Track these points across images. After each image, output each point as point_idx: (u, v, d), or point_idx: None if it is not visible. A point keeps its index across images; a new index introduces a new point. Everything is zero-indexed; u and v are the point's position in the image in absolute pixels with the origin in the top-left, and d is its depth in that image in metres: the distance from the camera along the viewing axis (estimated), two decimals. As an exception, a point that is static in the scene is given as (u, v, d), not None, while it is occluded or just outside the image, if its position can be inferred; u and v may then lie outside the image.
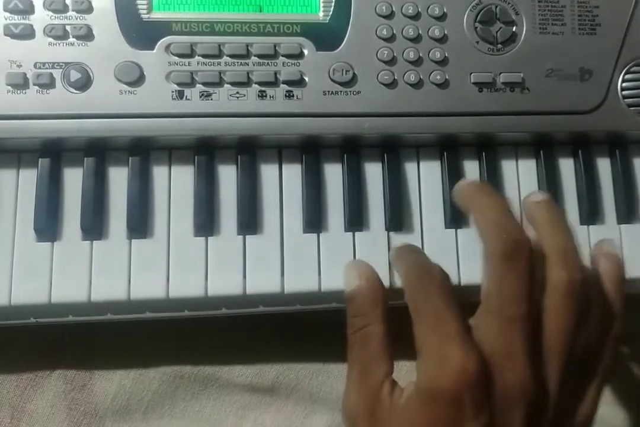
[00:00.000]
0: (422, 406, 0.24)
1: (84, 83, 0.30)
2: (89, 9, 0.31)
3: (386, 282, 0.31)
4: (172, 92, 0.31)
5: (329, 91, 0.32)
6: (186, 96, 0.31)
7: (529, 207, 0.30)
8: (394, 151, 0.33)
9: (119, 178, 0.32)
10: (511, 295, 0.25)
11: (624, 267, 0.31)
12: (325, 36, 0.32)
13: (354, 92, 0.32)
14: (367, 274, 0.29)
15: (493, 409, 0.24)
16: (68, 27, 0.30)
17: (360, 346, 0.27)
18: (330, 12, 0.32)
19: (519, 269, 0.25)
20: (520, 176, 0.34)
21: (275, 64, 0.32)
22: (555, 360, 0.25)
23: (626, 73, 0.34)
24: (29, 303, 0.29)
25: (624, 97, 0.34)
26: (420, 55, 0.32)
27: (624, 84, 0.34)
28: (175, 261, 0.31)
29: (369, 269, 0.29)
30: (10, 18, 0.30)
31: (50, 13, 0.30)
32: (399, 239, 0.32)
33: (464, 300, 0.31)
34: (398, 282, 0.31)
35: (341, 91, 0.32)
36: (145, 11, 0.31)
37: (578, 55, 0.33)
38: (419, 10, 0.33)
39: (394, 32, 0.32)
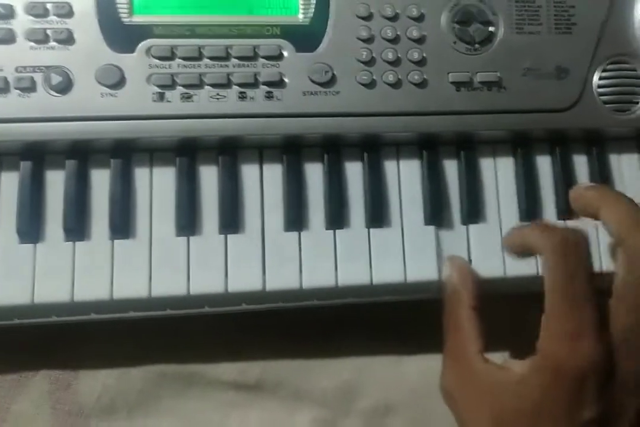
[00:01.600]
0: (544, 381, 0.25)
1: (65, 86, 0.31)
2: (70, 13, 0.31)
3: (366, 279, 0.32)
4: (153, 94, 0.31)
5: (308, 92, 0.32)
6: (167, 98, 0.31)
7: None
8: (374, 150, 0.34)
9: (101, 180, 0.32)
10: None
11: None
12: (305, 38, 0.32)
13: (334, 93, 0.32)
14: (458, 264, 0.32)
15: (613, 393, 0.25)
16: (49, 31, 0.31)
17: (454, 327, 0.30)
18: (310, 14, 0.33)
19: None
20: (499, 174, 0.35)
21: (255, 65, 0.32)
22: None
23: (602, 71, 0.35)
24: (12, 304, 0.30)
25: (600, 94, 0.34)
26: (399, 55, 0.33)
27: (599, 82, 0.34)
28: (157, 261, 0.31)
29: (462, 262, 0.32)
30: (-9, 23, 0.31)
31: (31, 17, 0.31)
32: (379, 236, 0.33)
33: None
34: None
35: (321, 92, 0.32)
36: (126, 15, 0.32)
37: (554, 54, 0.34)
38: (397, 11, 0.33)
39: (373, 33, 0.33)
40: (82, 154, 0.32)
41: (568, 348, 0.25)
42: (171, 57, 0.31)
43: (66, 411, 0.33)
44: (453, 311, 0.30)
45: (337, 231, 0.32)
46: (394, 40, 0.33)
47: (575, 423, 0.24)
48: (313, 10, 0.33)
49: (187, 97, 0.31)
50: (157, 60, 0.31)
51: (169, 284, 0.31)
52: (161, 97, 0.31)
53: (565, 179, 0.35)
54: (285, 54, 0.32)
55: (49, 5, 0.31)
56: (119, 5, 0.32)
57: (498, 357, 0.28)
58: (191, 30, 0.32)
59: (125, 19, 0.32)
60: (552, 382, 0.25)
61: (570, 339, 0.25)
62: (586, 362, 0.24)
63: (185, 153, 0.32)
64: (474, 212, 0.34)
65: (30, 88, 0.30)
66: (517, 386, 0.26)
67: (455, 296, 0.30)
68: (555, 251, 0.26)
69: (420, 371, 0.34)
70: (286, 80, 0.32)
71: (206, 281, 0.31)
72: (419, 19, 0.33)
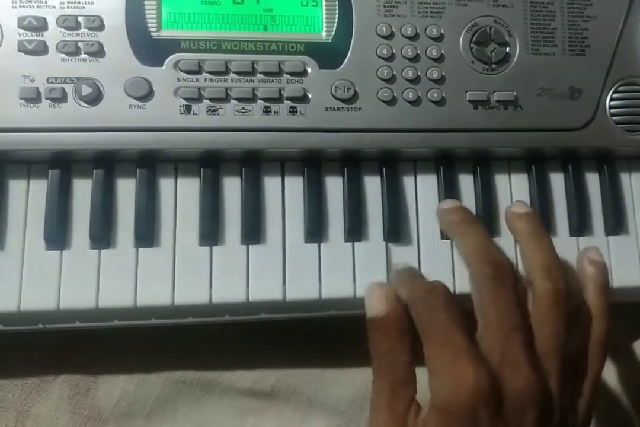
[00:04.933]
0: (440, 423, 0.25)
1: (95, 97, 0.31)
2: (101, 27, 0.32)
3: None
4: (180, 107, 0.32)
5: (331, 107, 0.33)
6: (194, 111, 0.32)
7: (511, 217, 0.32)
8: (392, 165, 0.35)
9: (126, 189, 0.33)
10: (504, 309, 0.27)
11: (607, 272, 0.32)
12: (328, 55, 0.33)
13: (355, 109, 0.33)
14: (392, 298, 0.28)
15: (507, 418, 0.25)
16: (80, 44, 0.32)
17: (388, 370, 0.27)
18: (333, 32, 0.34)
19: (506, 286, 0.27)
20: (513, 190, 0.36)
21: (279, 81, 0.33)
22: (552, 361, 0.27)
23: (614, 92, 0.36)
24: (38, 309, 0.30)
25: (612, 115, 0.35)
26: (419, 74, 0.34)
27: (612, 103, 0.35)
28: (180, 269, 0.32)
29: (394, 293, 0.29)
30: (25, 34, 0.31)
31: (63, 30, 0.32)
32: (396, 250, 0.33)
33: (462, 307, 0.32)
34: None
35: (343, 108, 0.33)
36: (154, 29, 0.33)
37: (568, 75, 0.35)
38: (418, 31, 0.34)
39: (394, 51, 0.34)
40: (109, 164, 0.33)
41: (450, 385, 0.25)
42: (198, 71, 0.32)
43: (85, 415, 0.33)
44: (387, 352, 0.27)
45: (355, 243, 0.33)
46: (414, 59, 0.34)
47: None
48: (336, 28, 0.34)
49: (213, 111, 0.32)
50: (184, 74, 0.32)
51: (191, 292, 0.31)
52: (188, 109, 0.32)
53: (577, 195, 0.36)
54: (309, 70, 0.33)
55: (80, 19, 0.32)
56: (148, 20, 0.33)
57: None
58: (218, 45, 0.33)
59: (154, 33, 0.33)
60: (447, 422, 0.25)
61: (448, 376, 0.25)
62: (471, 395, 0.24)
63: (210, 164, 0.33)
64: (490, 226, 0.34)
65: (61, 98, 0.31)
66: None
67: (390, 336, 0.28)
68: (412, 297, 0.28)
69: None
70: (310, 95, 0.33)
71: (228, 290, 0.31)
72: (439, 39, 0.34)
